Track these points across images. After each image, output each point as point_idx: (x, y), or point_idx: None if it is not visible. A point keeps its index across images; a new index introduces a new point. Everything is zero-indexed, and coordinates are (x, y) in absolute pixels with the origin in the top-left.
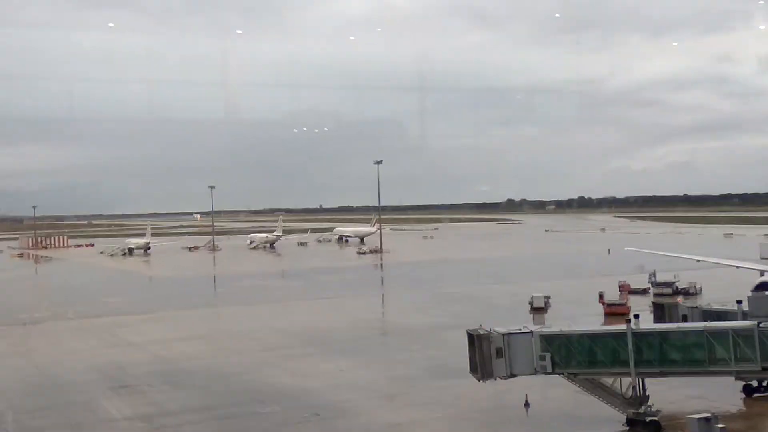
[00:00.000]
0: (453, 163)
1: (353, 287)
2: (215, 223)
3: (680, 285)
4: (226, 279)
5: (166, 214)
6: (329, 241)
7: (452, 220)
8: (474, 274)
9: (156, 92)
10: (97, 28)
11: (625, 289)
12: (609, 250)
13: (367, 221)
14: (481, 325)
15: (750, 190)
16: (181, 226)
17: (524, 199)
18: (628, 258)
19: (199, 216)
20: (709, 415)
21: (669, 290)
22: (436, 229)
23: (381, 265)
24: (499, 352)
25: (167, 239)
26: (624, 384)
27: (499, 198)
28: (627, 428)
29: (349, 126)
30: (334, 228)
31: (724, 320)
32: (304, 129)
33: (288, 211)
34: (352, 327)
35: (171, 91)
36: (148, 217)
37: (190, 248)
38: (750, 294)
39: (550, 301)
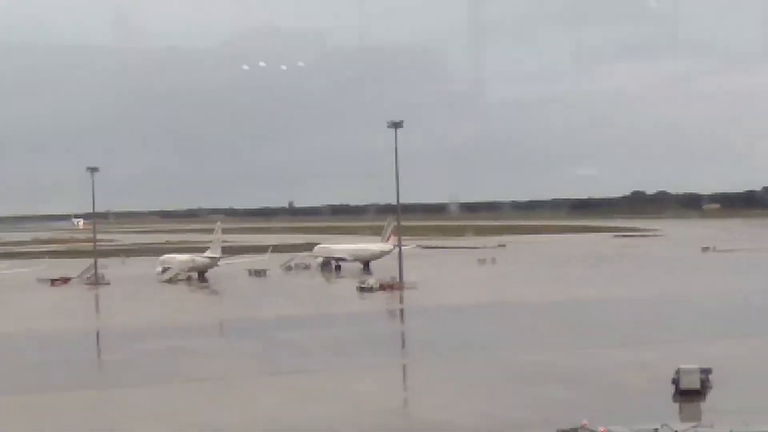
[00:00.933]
0: (529, 128)
1: (351, 352)
2: (101, 235)
3: None
4: (118, 337)
5: (13, 218)
6: (307, 267)
7: (529, 230)
8: (570, 328)
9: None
10: None
11: None
12: None
13: (375, 232)
14: (584, 423)
15: None
16: (39, 241)
17: (663, 192)
18: None
19: (82, 222)
20: None
21: None
22: (501, 246)
23: (401, 311)
24: None
25: (12, 264)
26: None
27: (616, 190)
28: None
29: (343, 59)
30: (315, 245)
31: None
32: (262, 65)
33: (232, 213)
34: (349, 426)
35: None
36: None
37: (53, 280)
38: None
39: (711, 377)
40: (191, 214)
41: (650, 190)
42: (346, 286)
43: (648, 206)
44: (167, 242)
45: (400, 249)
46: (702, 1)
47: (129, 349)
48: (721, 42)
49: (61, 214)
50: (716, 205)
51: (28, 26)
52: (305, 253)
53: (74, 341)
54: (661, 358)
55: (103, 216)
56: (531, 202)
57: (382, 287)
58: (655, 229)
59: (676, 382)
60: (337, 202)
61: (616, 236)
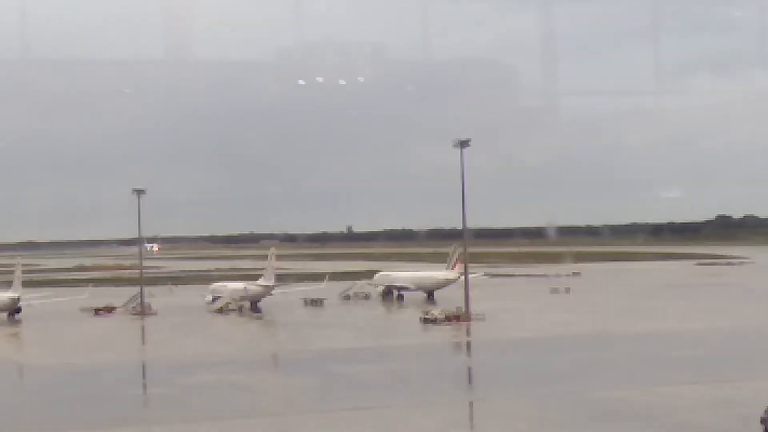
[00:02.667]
0: (605, 147)
1: (415, 388)
2: (148, 262)
3: None
4: (164, 371)
5: (61, 243)
6: (367, 296)
7: (606, 256)
8: (653, 362)
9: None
10: None
11: None
12: None
13: (439, 260)
14: None
15: None
16: (82, 267)
17: (751, 216)
18: None
19: (156, 248)
20: None
21: None
22: (575, 274)
23: (468, 344)
24: None
25: (54, 292)
26: None
27: (699, 214)
28: None
29: (405, 74)
30: (376, 272)
31: None
32: (319, 80)
33: (287, 239)
34: None
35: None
36: (19, 250)
37: (97, 310)
38: None
39: None
40: (243, 240)
41: (737, 215)
42: (408, 316)
43: (735, 232)
44: (217, 269)
45: (467, 277)
46: None
47: (177, 383)
48: None
49: (130, 237)
50: None
51: (70, 39)
52: (365, 282)
53: (119, 375)
54: (748, 396)
55: (151, 241)
56: (607, 226)
57: (448, 318)
58: (742, 257)
59: (765, 422)
60: (398, 227)
61: (699, 264)
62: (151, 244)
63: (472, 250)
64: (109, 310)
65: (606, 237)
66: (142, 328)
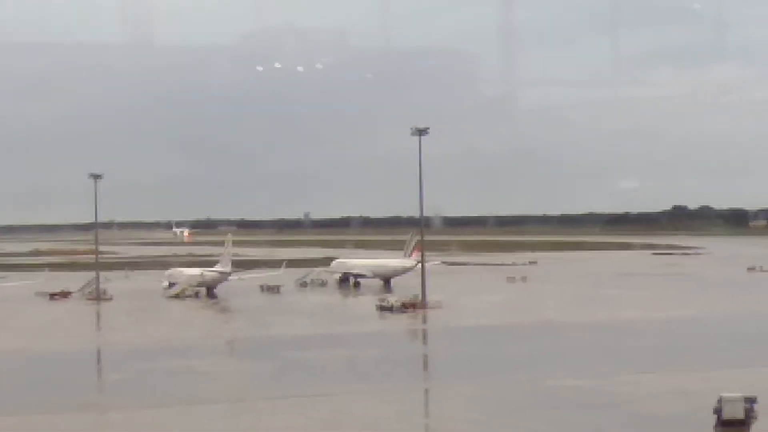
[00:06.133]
0: (563, 138)
1: (367, 376)
2: (104, 247)
3: None
4: (120, 356)
5: (16, 228)
6: (324, 283)
7: (563, 246)
8: (605, 351)
9: None
10: None
11: None
12: None
13: (396, 247)
14: None
15: None
16: (38, 252)
17: (706, 207)
18: None
19: (187, 232)
20: None
21: None
22: (532, 263)
23: (424, 332)
24: None
25: (9, 276)
26: None
27: (655, 205)
28: None
29: (364, 62)
30: (333, 259)
31: None
32: (277, 66)
33: (243, 224)
34: None
35: None
36: None
37: (52, 294)
38: None
39: (756, 407)
40: (200, 225)
41: (692, 205)
42: (364, 304)
43: (690, 222)
44: (174, 255)
45: (423, 265)
46: (751, 5)
47: (131, 369)
48: None
49: (87, 222)
50: (764, 222)
51: (30, 23)
52: (322, 269)
53: (73, 360)
54: (701, 385)
55: (107, 226)
56: (564, 216)
57: (404, 306)
58: (697, 247)
59: (717, 411)
60: (356, 214)
61: (655, 254)
62: (180, 228)
63: (429, 238)
64: (65, 294)
65: (563, 226)
66: (98, 313)
